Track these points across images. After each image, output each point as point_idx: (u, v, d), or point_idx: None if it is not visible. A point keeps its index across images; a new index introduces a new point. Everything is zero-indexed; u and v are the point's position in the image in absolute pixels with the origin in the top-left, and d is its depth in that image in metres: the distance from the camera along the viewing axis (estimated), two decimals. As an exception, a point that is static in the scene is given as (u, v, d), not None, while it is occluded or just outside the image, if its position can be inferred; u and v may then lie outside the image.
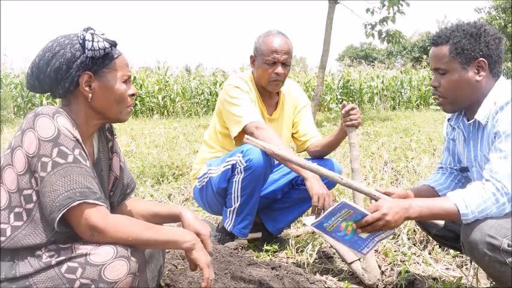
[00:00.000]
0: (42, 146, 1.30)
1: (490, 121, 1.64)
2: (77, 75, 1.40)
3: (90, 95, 1.42)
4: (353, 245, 1.67)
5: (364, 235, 1.62)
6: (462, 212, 1.55)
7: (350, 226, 1.60)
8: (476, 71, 1.67)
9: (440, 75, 1.71)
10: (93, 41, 1.38)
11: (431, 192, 1.95)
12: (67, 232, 1.34)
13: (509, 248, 1.50)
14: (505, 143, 1.57)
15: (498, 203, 1.54)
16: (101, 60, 1.41)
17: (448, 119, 1.91)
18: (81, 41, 1.39)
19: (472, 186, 1.61)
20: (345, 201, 1.54)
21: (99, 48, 1.39)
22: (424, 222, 1.99)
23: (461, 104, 1.75)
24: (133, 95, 1.50)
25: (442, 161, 2.02)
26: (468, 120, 1.77)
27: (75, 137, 1.35)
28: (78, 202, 1.28)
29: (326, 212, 1.57)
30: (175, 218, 1.60)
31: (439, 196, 1.93)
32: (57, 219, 1.27)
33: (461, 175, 1.97)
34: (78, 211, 1.29)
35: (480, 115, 1.67)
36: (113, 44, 1.43)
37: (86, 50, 1.38)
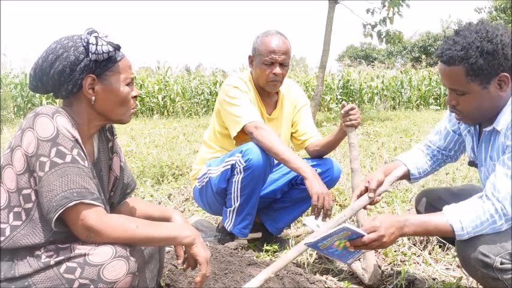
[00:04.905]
0: (40, 145, 1.30)
1: (505, 130, 1.57)
2: (80, 78, 1.40)
3: (93, 97, 1.42)
4: (340, 258, 1.65)
5: (352, 249, 1.60)
6: (457, 233, 1.53)
7: (343, 243, 1.58)
8: (498, 86, 1.55)
9: (458, 95, 1.61)
10: (97, 44, 1.38)
11: (404, 172, 1.97)
12: (66, 232, 1.34)
13: (502, 266, 1.49)
14: None
15: (495, 225, 1.51)
16: (105, 63, 1.41)
17: (458, 122, 1.87)
18: (84, 44, 1.39)
19: (471, 204, 1.55)
20: (346, 226, 1.51)
21: (103, 52, 1.39)
22: None
23: (484, 118, 1.66)
24: (136, 97, 1.50)
25: (432, 141, 2.00)
26: (484, 126, 1.69)
27: (74, 137, 1.35)
28: (74, 202, 1.27)
29: (324, 234, 1.54)
30: (166, 221, 1.61)
31: (409, 176, 1.97)
32: (54, 219, 1.27)
33: (442, 159, 1.99)
34: (75, 211, 1.29)
35: (501, 125, 1.59)
36: (117, 48, 1.43)
37: (90, 54, 1.38)
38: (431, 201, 2.07)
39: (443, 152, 1.99)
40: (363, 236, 1.54)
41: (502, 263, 1.49)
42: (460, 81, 1.56)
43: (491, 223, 1.51)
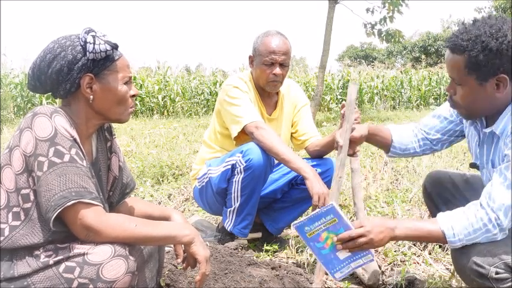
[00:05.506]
0: (39, 145, 1.30)
1: (504, 137, 1.54)
2: (78, 77, 1.39)
3: (91, 96, 1.42)
4: (327, 263, 1.59)
5: (341, 255, 1.56)
6: (449, 240, 1.52)
7: (330, 239, 1.54)
8: (495, 87, 1.51)
9: (456, 85, 1.59)
10: (94, 43, 1.37)
11: (386, 139, 2.00)
12: (64, 231, 1.34)
13: (498, 276, 1.47)
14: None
15: (488, 234, 1.49)
16: (102, 62, 1.41)
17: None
18: (82, 43, 1.39)
19: (465, 212, 1.54)
20: (333, 205, 1.49)
21: (101, 50, 1.38)
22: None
23: (480, 115, 1.63)
24: (134, 95, 1.50)
25: (428, 125, 1.97)
26: (486, 126, 1.66)
27: (72, 137, 1.35)
28: (73, 202, 1.27)
29: (312, 214, 1.52)
30: (166, 221, 1.61)
31: (389, 147, 1.99)
32: (52, 218, 1.27)
33: (430, 146, 1.96)
34: (73, 211, 1.28)
35: (499, 129, 1.56)
36: (114, 47, 1.42)
37: (88, 53, 1.38)
38: (443, 181, 2.03)
39: (436, 136, 1.93)
40: (350, 229, 1.52)
41: (497, 273, 1.47)
42: (458, 71, 1.54)
43: (484, 232, 1.49)
